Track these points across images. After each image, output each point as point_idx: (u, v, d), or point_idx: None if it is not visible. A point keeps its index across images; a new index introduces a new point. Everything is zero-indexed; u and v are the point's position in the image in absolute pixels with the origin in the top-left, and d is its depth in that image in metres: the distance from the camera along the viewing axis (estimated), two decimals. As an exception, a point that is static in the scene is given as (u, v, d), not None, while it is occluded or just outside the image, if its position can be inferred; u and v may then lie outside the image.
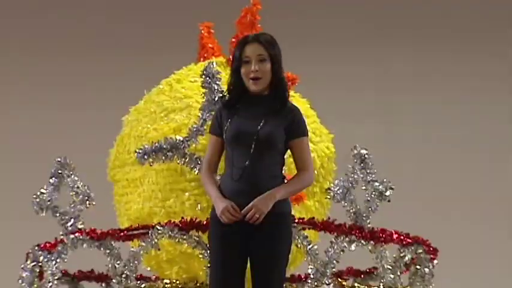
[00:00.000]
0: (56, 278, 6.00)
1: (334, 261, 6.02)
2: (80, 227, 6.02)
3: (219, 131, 5.19)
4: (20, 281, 6.29)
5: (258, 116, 5.07)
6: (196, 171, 6.10)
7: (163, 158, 6.16)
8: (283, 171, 5.21)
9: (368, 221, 6.09)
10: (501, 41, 12.61)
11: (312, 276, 5.95)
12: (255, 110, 5.13)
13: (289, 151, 5.28)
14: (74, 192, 6.14)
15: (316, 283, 5.98)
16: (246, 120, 5.12)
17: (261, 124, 5.02)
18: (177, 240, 5.93)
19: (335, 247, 6.03)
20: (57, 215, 6.24)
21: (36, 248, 6.20)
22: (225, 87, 5.96)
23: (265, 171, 5.04)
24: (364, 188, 6.13)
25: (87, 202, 6.11)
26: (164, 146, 6.20)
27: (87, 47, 11.84)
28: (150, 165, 6.20)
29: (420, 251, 6.27)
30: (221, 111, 5.27)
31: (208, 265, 5.47)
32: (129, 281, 6.02)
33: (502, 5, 12.66)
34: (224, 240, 5.06)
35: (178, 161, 6.13)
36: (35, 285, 6.15)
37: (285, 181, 5.17)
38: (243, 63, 5.10)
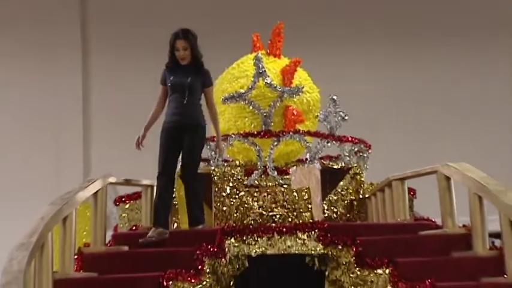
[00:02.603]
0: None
1: (319, 151, 9.44)
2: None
3: (164, 82, 7.94)
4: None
5: (186, 75, 7.78)
6: (253, 109, 9.49)
7: (235, 101, 9.57)
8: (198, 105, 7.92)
9: (336, 131, 9.56)
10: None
11: (308, 159, 9.39)
12: (184, 72, 7.81)
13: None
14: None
15: (310, 162, 9.26)
16: (180, 78, 7.81)
17: (189, 79, 7.76)
18: (241, 141, 9.36)
19: (320, 144, 9.45)
20: None
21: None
22: (268, 67, 9.50)
23: (192, 105, 7.83)
24: (334, 115, 9.59)
25: None
26: (233, 95, 9.55)
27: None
28: (228, 105, 9.61)
29: (362, 146, 9.70)
30: (165, 72, 7.98)
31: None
32: (218, 161, 9.23)
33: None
34: (167, 138, 7.84)
35: (242, 102, 9.56)
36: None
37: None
38: (175, 50, 7.79)
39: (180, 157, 7.98)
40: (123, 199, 9.14)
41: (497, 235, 7.38)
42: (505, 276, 6.95)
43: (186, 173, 7.94)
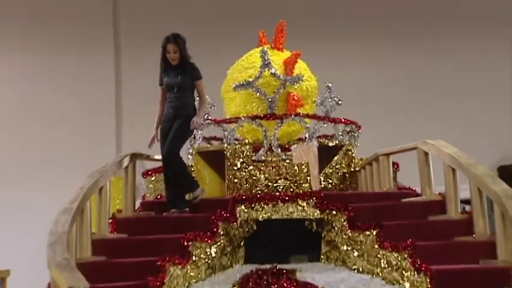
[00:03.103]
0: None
1: (316, 131, 9.42)
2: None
3: (161, 83, 8.00)
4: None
5: (176, 75, 7.82)
6: (260, 96, 9.46)
7: (244, 88, 9.56)
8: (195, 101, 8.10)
9: (331, 114, 9.59)
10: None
11: (307, 137, 9.33)
12: (175, 72, 7.84)
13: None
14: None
15: (308, 140, 9.23)
16: (172, 78, 7.86)
17: (178, 78, 7.80)
18: (250, 123, 9.32)
19: (317, 125, 9.44)
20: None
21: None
22: (273, 59, 9.46)
23: (183, 99, 7.85)
24: (329, 100, 9.66)
25: (212, 107, 9.57)
26: (243, 83, 9.53)
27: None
28: (238, 92, 9.61)
29: (353, 126, 9.67)
30: (160, 75, 7.99)
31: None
32: (230, 141, 9.16)
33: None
34: (163, 130, 7.89)
35: (250, 90, 9.53)
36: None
37: (196, 104, 8.08)
38: (167, 52, 7.80)
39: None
40: (150, 172, 9.20)
41: (467, 201, 7.53)
42: (474, 236, 7.18)
43: (167, 153, 7.83)
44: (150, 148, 8.03)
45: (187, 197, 8.01)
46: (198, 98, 8.35)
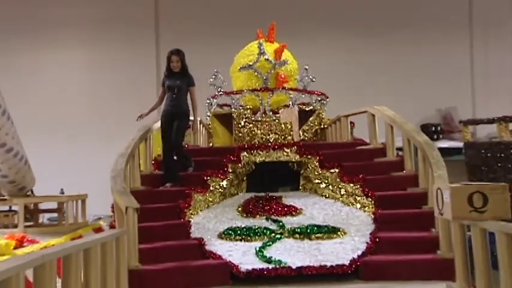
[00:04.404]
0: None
1: (297, 100, 9.33)
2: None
3: (163, 84, 7.36)
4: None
5: (176, 80, 7.18)
6: (258, 75, 9.27)
7: (246, 70, 9.54)
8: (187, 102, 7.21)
9: (308, 88, 9.51)
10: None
11: (290, 104, 9.27)
12: (175, 77, 7.21)
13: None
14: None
15: (292, 106, 9.18)
16: (173, 82, 7.20)
17: (178, 82, 7.16)
18: (250, 94, 9.26)
19: (297, 97, 9.34)
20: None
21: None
22: (266, 49, 9.30)
23: (180, 99, 7.16)
24: (306, 78, 9.60)
25: (223, 83, 9.29)
26: (245, 66, 9.53)
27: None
28: (242, 72, 9.57)
29: (323, 97, 9.66)
30: (164, 77, 7.36)
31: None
32: (236, 106, 9.10)
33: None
34: (164, 122, 7.22)
35: (250, 70, 9.49)
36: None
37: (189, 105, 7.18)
38: (171, 62, 7.19)
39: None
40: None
41: (400, 149, 7.63)
42: (404, 171, 7.30)
43: (174, 143, 7.27)
44: (138, 121, 7.40)
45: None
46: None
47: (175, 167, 7.25)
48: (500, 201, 4.41)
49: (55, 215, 7.77)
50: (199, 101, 7.41)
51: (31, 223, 7.21)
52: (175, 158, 7.25)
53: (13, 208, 7.48)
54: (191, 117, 7.47)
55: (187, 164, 7.37)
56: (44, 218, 7.97)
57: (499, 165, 5.66)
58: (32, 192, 7.29)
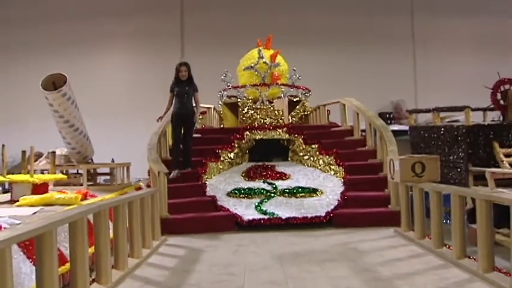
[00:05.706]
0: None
1: (287, 93, 9.11)
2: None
3: (172, 91, 6.77)
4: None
5: (184, 86, 6.69)
6: (257, 73, 8.98)
7: (249, 70, 9.29)
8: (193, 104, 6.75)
9: (296, 84, 9.28)
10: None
11: (282, 96, 9.04)
12: (183, 85, 6.72)
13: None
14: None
15: (283, 98, 8.95)
16: (181, 88, 6.71)
17: (186, 89, 6.68)
18: (252, 88, 9.03)
19: (287, 90, 9.16)
20: None
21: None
22: (264, 54, 9.00)
23: (188, 103, 6.71)
24: (295, 76, 9.31)
25: (231, 79, 9.09)
26: (248, 67, 9.30)
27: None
28: (246, 71, 9.29)
29: (307, 90, 9.43)
30: (173, 84, 6.76)
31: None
32: (241, 97, 8.90)
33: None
34: (175, 122, 6.71)
35: (252, 70, 9.24)
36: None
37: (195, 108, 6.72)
38: (179, 72, 6.69)
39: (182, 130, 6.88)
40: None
41: (364, 130, 7.61)
42: (366, 147, 7.28)
43: (185, 140, 6.80)
44: (158, 122, 7.01)
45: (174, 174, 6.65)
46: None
47: (183, 159, 6.75)
48: (434, 169, 4.58)
49: (108, 177, 7.92)
50: (209, 98, 7.36)
51: (91, 183, 7.38)
52: (185, 150, 6.87)
53: (79, 171, 7.70)
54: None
55: (188, 164, 6.84)
56: (100, 179, 8.09)
57: (433, 143, 5.73)
58: (92, 160, 7.42)
